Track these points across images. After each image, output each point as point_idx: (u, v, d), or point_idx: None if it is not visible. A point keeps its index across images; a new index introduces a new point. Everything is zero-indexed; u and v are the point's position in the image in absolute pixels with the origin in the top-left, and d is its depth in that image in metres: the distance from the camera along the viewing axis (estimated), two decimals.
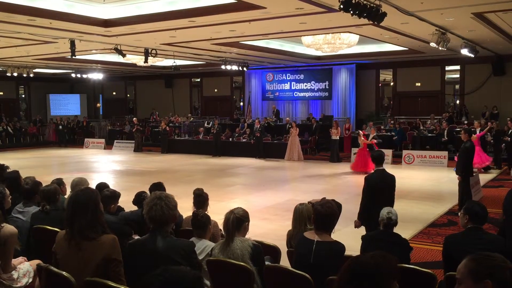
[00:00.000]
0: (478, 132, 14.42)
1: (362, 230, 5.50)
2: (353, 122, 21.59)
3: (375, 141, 15.04)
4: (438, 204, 9.84)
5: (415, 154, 16.64)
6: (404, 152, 17.04)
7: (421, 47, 16.69)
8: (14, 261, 3.78)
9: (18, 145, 24.58)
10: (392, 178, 5.89)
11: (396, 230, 5.23)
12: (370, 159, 13.89)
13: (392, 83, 22.83)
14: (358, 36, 14.58)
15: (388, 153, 14.71)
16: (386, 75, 23.68)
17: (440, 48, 13.19)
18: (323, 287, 3.25)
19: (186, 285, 1.56)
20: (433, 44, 13.04)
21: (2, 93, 28.83)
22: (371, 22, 9.95)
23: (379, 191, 5.67)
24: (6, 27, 12.06)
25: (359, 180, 10.05)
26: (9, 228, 3.61)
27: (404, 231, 6.78)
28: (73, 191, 4.85)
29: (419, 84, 21.94)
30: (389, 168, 6.53)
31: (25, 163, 16.61)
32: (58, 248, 3.25)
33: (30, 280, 3.78)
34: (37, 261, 3.81)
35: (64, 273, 3.05)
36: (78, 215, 3.13)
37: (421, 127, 19.51)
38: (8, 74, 22.73)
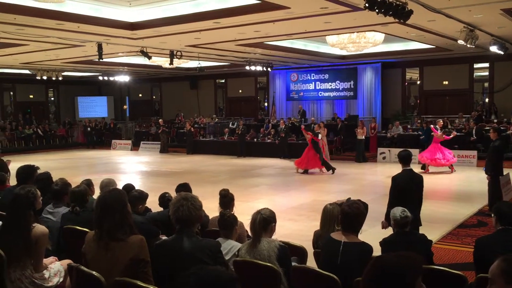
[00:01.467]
0: None
1: (390, 231, 5.43)
2: (379, 121, 21.35)
3: (320, 139, 14.88)
4: (467, 205, 9.64)
5: None
6: None
7: (448, 45, 16.39)
8: (46, 260, 3.86)
9: (48, 147, 25.12)
10: (420, 178, 5.81)
11: (423, 231, 5.16)
12: (314, 158, 14.43)
13: (418, 82, 22.47)
14: (383, 34, 14.40)
15: (415, 152, 14.49)
16: (413, 74, 23.32)
17: (468, 46, 12.92)
18: None
19: (221, 285, 1.56)
20: (461, 42, 12.78)
21: (32, 96, 29.52)
22: (397, 20, 9.82)
23: (406, 191, 5.59)
24: (35, 31, 12.35)
25: (386, 180, 9.93)
26: (40, 228, 3.70)
27: (432, 232, 6.67)
28: (103, 191, 4.95)
29: (446, 82, 21.53)
30: (416, 168, 6.44)
31: (55, 164, 16.97)
32: (87, 248, 3.30)
33: (61, 279, 3.86)
34: (67, 261, 3.88)
35: (94, 273, 3.10)
36: (106, 216, 3.17)
37: (449, 126, 19.14)
38: (38, 78, 23.28)
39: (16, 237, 3.55)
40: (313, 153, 14.42)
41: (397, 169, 6.37)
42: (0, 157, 9.35)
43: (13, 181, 6.70)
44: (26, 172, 5.44)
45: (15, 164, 7.82)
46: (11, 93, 28.68)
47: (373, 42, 14.50)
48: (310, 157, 14.46)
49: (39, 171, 5.77)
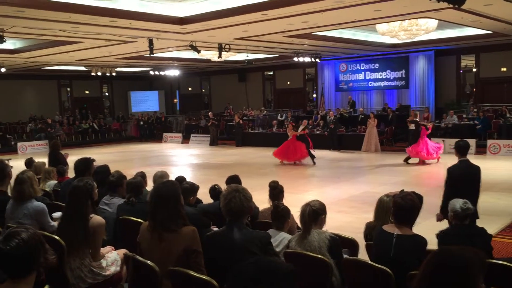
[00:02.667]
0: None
1: (445, 224, 5.27)
2: (432, 111, 20.68)
3: (307, 130, 15.36)
4: None
5: (501, 143, 15.70)
6: (489, 141, 16.11)
7: (506, 30, 15.61)
8: (103, 250, 4.00)
9: (103, 140, 26.03)
10: (477, 169, 5.58)
11: (480, 223, 4.96)
12: (294, 151, 14.74)
13: (474, 69, 21.55)
14: (436, 21, 13.89)
15: (471, 143, 13.99)
16: (468, 61, 22.39)
17: None
18: (404, 282, 3.14)
19: (280, 276, 1.56)
20: None
21: (88, 92, 30.65)
22: (451, 6, 9.42)
23: (462, 183, 5.39)
24: (90, 29, 12.78)
25: (440, 171, 9.63)
26: (97, 219, 3.84)
27: (490, 225, 6.41)
28: (156, 183, 5.07)
29: (504, 69, 20.53)
30: (473, 159, 6.19)
31: (110, 157, 17.56)
32: (142, 238, 3.40)
33: (118, 268, 3.99)
34: (123, 251, 4.01)
35: (149, 262, 3.19)
36: (160, 207, 3.25)
37: (508, 115, 18.30)
38: (93, 74, 24.15)
39: (75, 227, 3.69)
40: (299, 145, 14.78)
41: (451, 160, 6.15)
42: (59, 151, 9.78)
43: (71, 174, 6.99)
44: (84, 165, 5.65)
45: (72, 157, 8.15)
46: (68, 89, 29.89)
47: (426, 29, 14.02)
48: (297, 149, 14.82)
49: (95, 164, 5.99)
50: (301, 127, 15.22)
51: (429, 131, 14.37)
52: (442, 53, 21.35)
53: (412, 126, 15.22)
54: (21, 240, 2.07)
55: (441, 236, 4.12)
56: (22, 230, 2.13)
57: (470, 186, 5.42)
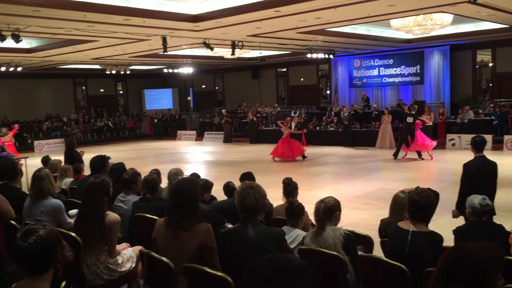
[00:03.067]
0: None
1: (461, 220, 5.22)
2: (447, 106, 20.46)
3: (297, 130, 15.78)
4: None
5: None
6: (506, 137, 15.90)
7: None
8: (118, 247, 4.04)
9: (118, 138, 26.26)
10: (493, 165, 5.50)
11: (497, 220, 4.90)
12: (290, 148, 15.06)
13: (490, 64, 21.25)
14: (452, 15, 13.72)
15: (488, 138, 13.85)
16: (484, 56, 22.07)
17: None
18: (420, 279, 3.12)
19: (294, 273, 1.56)
20: None
21: (102, 90, 30.90)
22: (467, 0, 9.32)
23: (479, 179, 5.32)
24: (104, 27, 12.87)
25: (456, 168, 9.52)
26: (113, 216, 3.87)
27: (507, 221, 6.31)
28: (170, 181, 5.11)
29: None
30: (490, 155, 6.12)
31: (125, 155, 17.69)
32: (157, 235, 3.42)
33: (133, 264, 4.03)
34: (139, 247, 4.04)
35: (164, 259, 3.21)
36: (178, 204, 3.26)
37: None
38: (108, 72, 24.34)
39: (92, 224, 3.73)
40: (293, 142, 15.31)
41: (467, 156, 6.08)
42: (75, 149, 9.88)
43: (87, 171, 7.07)
44: (99, 162, 5.71)
45: (88, 155, 8.23)
46: (83, 87, 30.16)
47: (441, 24, 13.85)
48: (291, 146, 15.27)
49: (110, 162, 6.04)
50: (293, 125, 15.61)
51: (422, 126, 14.72)
52: (458, 48, 21.09)
53: (410, 120, 15.20)
54: (39, 237, 2.10)
55: (458, 232, 4.07)
56: (40, 227, 2.16)
57: (486, 182, 5.36)
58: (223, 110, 24.77)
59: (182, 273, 3.19)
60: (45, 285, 2.14)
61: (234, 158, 16.80)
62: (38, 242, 2.10)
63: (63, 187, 6.58)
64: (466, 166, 5.56)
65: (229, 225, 4.37)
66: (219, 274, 3.03)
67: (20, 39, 12.43)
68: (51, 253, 2.15)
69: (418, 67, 22.19)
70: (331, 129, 19.90)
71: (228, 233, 3.43)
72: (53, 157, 8.37)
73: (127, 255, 4.03)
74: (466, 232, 3.98)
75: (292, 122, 15.89)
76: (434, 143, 14.63)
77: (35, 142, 22.28)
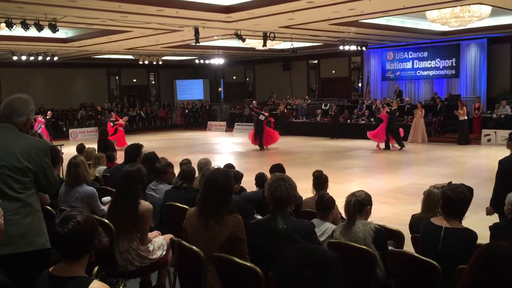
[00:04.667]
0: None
1: (495, 218, 5.10)
2: (483, 101, 19.93)
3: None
4: None
5: None
6: None
7: None
8: (150, 235, 4.11)
9: (149, 128, 26.63)
10: None
11: None
12: (266, 136, 16.40)
13: None
14: (490, 7, 13.30)
15: None
16: None
17: None
18: (452, 276, 3.07)
19: (324, 263, 1.56)
20: None
21: (135, 80, 31.36)
22: None
23: None
24: (138, 18, 13.04)
25: (491, 164, 9.28)
26: (146, 204, 3.94)
27: None
28: (200, 171, 5.16)
29: None
30: None
31: (156, 144, 17.94)
32: (188, 224, 3.46)
33: (164, 252, 4.10)
34: (169, 235, 4.11)
35: (194, 247, 3.25)
36: (213, 195, 3.28)
37: None
38: (140, 62, 24.68)
39: (125, 211, 3.81)
40: (267, 130, 16.75)
41: (503, 152, 5.93)
42: (108, 137, 10.09)
43: (119, 160, 7.21)
44: (135, 149, 5.82)
45: None
46: (117, 77, 30.67)
47: (479, 15, 13.44)
48: (268, 134, 16.79)
49: (142, 151, 6.14)
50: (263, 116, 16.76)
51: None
52: (496, 40, 20.46)
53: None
54: (77, 223, 2.16)
55: (494, 229, 3.97)
56: (77, 213, 2.22)
57: None
58: (254, 101, 24.79)
59: (212, 262, 3.22)
60: (81, 269, 2.21)
61: (264, 149, 16.81)
62: (77, 227, 2.15)
63: (97, 175, 6.72)
64: (502, 162, 5.40)
65: (258, 216, 4.39)
66: (248, 264, 3.05)
67: (56, 29, 12.72)
68: (88, 238, 2.20)
69: (453, 60, 21.65)
70: (363, 122, 19.66)
71: (257, 224, 3.45)
72: (87, 145, 8.56)
73: (158, 243, 4.10)
74: (503, 229, 3.88)
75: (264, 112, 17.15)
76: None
77: (70, 130, 22.84)
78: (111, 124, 17.88)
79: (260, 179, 5.50)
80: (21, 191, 2.93)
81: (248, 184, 5.85)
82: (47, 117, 19.52)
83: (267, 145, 16.81)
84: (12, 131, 3.01)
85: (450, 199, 3.36)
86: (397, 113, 16.53)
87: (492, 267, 1.62)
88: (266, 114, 17.00)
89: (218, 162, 12.09)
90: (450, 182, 4.62)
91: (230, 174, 3.51)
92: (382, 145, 15.81)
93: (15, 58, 19.81)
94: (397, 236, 4.06)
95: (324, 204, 4.08)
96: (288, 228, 3.20)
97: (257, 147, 16.64)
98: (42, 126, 18.50)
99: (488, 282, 1.62)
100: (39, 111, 22.39)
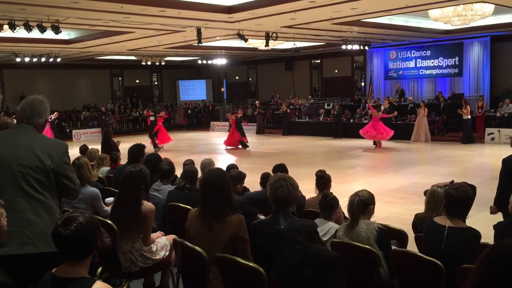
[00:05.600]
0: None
1: (499, 217, 5.08)
2: (487, 99, 19.86)
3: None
4: None
5: None
6: None
7: None
8: (153, 235, 4.11)
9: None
10: None
11: None
12: (235, 136, 17.03)
13: None
14: (493, 5, 13.26)
15: None
16: None
17: None
18: (456, 276, 3.06)
19: (326, 262, 1.55)
20: None
21: (138, 81, 31.40)
22: None
23: None
24: (140, 19, 13.05)
25: (495, 163, 9.27)
26: (148, 205, 3.94)
27: None
28: (203, 171, 5.16)
29: None
30: None
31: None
32: (190, 225, 3.46)
33: (167, 253, 4.10)
34: (172, 236, 4.11)
35: (197, 248, 3.25)
36: (213, 196, 3.28)
37: None
38: (143, 63, 24.71)
39: (128, 211, 3.80)
40: (232, 133, 17.22)
41: (507, 150, 5.90)
42: (111, 138, 10.11)
43: (123, 161, 7.21)
44: (138, 149, 5.82)
45: (123, 144, 8.41)
46: (120, 78, 30.73)
47: (482, 14, 13.41)
48: (230, 136, 17.30)
49: (145, 151, 6.15)
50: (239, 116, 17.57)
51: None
52: (499, 39, 20.40)
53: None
54: (79, 224, 2.17)
55: (498, 228, 3.96)
56: (79, 214, 2.23)
57: None
58: (256, 101, 24.78)
59: (215, 263, 3.22)
60: (84, 270, 2.21)
61: (267, 149, 16.82)
62: (79, 229, 2.16)
63: (100, 176, 6.73)
64: (505, 161, 5.38)
65: (261, 216, 4.38)
66: (251, 264, 3.05)
67: (59, 30, 12.75)
68: (90, 239, 2.21)
69: (456, 58, 21.60)
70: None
71: (260, 225, 3.44)
72: (90, 146, 8.58)
73: (161, 243, 4.10)
74: (508, 228, 3.87)
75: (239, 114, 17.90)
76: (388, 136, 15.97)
77: (73, 131, 22.88)
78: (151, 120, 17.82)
79: (265, 179, 5.49)
80: (43, 191, 2.96)
81: (252, 184, 5.85)
82: (53, 117, 19.49)
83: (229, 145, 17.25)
84: (33, 132, 3.07)
85: (454, 198, 3.35)
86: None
87: (502, 265, 1.60)
88: (239, 114, 17.64)
89: (221, 162, 12.09)
90: (452, 181, 4.60)
91: (226, 173, 3.52)
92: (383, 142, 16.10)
93: (18, 59, 19.88)
94: (400, 236, 4.05)
95: (327, 203, 4.08)
96: (290, 228, 3.20)
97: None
98: (47, 127, 18.53)
99: (497, 281, 1.61)
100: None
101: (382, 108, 17.13)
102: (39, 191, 2.94)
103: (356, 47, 20.19)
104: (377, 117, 16.14)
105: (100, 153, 8.01)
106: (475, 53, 21.04)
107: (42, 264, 2.75)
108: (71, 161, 4.82)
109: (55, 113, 20.47)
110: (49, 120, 18.70)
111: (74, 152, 9.05)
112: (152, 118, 17.62)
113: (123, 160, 6.92)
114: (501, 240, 1.93)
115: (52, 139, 3.43)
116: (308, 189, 5.39)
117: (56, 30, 12.63)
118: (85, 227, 2.18)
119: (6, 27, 12.19)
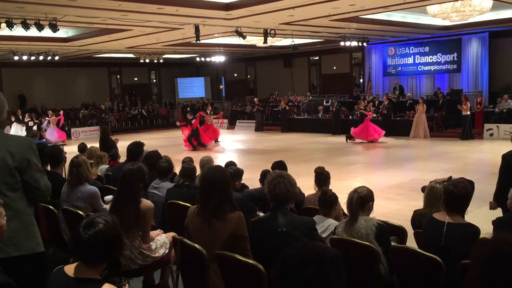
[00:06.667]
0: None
1: (498, 212, 5.09)
2: (485, 95, 19.86)
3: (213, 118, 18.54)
4: None
5: None
6: None
7: None
8: (152, 233, 4.11)
9: (151, 126, 26.62)
10: None
11: None
12: (207, 133, 17.17)
13: None
14: (491, 1, 13.25)
15: None
16: None
17: None
18: (455, 272, 3.06)
19: (326, 260, 1.55)
20: None
21: (136, 78, 31.35)
22: None
23: None
24: (138, 16, 13.02)
25: (494, 158, 9.28)
26: (147, 202, 3.93)
27: None
28: (202, 169, 5.16)
29: None
30: None
31: (158, 143, 17.91)
32: (189, 222, 3.45)
33: (167, 251, 4.09)
34: (172, 234, 4.10)
35: (196, 245, 3.25)
36: (213, 194, 3.27)
37: None
38: (141, 61, 24.68)
39: (126, 209, 3.79)
40: (204, 130, 17.27)
41: (506, 146, 5.91)
42: (109, 136, 10.09)
43: (121, 159, 7.20)
44: (137, 146, 5.82)
45: (122, 142, 8.40)
46: (118, 76, 30.67)
47: (480, 10, 13.39)
48: (204, 133, 17.26)
49: (145, 149, 6.14)
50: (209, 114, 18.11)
51: (369, 117, 16.66)
52: (497, 35, 20.39)
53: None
54: (99, 231, 2.15)
55: (497, 223, 3.96)
56: (101, 221, 2.19)
57: None
58: (255, 98, 24.75)
59: (214, 260, 3.22)
60: (95, 274, 2.19)
61: (266, 146, 16.81)
62: (98, 235, 2.14)
63: (99, 174, 6.73)
64: (504, 156, 5.39)
65: (261, 214, 4.38)
66: (250, 261, 3.05)
67: (57, 28, 12.71)
68: (108, 248, 2.18)
69: (455, 54, 21.59)
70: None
71: (258, 222, 3.44)
72: (89, 144, 8.57)
73: (161, 241, 4.10)
74: (506, 223, 3.87)
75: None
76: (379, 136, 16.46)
77: (72, 130, 22.85)
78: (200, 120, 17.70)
79: (264, 176, 5.49)
80: (7, 193, 2.83)
81: (251, 181, 5.85)
82: (61, 121, 19.53)
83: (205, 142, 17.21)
84: None
85: (453, 194, 3.35)
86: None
87: (502, 261, 1.58)
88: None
89: (220, 159, 12.09)
90: (450, 177, 4.61)
91: (225, 170, 3.52)
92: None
93: (16, 58, 19.80)
94: (399, 232, 4.06)
95: (326, 200, 4.08)
96: (288, 225, 3.20)
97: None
98: (52, 125, 18.65)
99: (496, 276, 1.59)
100: (41, 111, 22.44)
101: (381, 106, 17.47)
102: (3, 193, 2.80)
103: (354, 43, 20.17)
104: (368, 118, 16.46)
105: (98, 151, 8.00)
106: (474, 49, 21.03)
107: (13, 268, 2.67)
108: (70, 159, 4.85)
109: (61, 111, 20.36)
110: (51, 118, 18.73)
111: (73, 150, 9.05)
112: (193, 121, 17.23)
113: (122, 159, 6.92)
114: (499, 234, 1.90)
115: (17, 136, 3.29)
116: (307, 186, 5.39)
117: (54, 28, 12.58)
118: (104, 235, 2.15)
119: (3, 25, 12.15)
